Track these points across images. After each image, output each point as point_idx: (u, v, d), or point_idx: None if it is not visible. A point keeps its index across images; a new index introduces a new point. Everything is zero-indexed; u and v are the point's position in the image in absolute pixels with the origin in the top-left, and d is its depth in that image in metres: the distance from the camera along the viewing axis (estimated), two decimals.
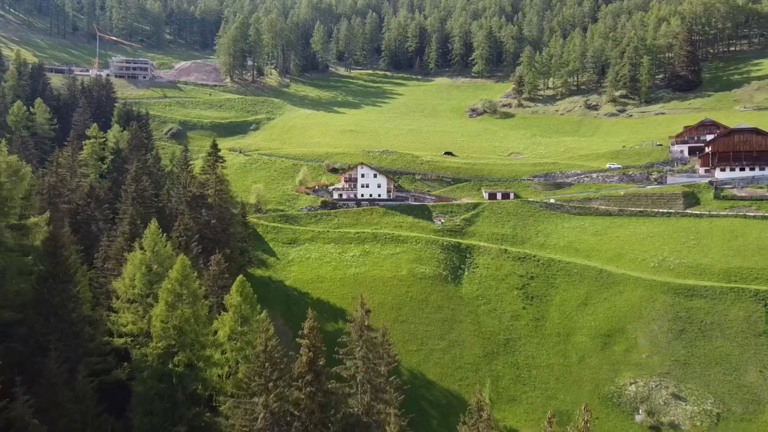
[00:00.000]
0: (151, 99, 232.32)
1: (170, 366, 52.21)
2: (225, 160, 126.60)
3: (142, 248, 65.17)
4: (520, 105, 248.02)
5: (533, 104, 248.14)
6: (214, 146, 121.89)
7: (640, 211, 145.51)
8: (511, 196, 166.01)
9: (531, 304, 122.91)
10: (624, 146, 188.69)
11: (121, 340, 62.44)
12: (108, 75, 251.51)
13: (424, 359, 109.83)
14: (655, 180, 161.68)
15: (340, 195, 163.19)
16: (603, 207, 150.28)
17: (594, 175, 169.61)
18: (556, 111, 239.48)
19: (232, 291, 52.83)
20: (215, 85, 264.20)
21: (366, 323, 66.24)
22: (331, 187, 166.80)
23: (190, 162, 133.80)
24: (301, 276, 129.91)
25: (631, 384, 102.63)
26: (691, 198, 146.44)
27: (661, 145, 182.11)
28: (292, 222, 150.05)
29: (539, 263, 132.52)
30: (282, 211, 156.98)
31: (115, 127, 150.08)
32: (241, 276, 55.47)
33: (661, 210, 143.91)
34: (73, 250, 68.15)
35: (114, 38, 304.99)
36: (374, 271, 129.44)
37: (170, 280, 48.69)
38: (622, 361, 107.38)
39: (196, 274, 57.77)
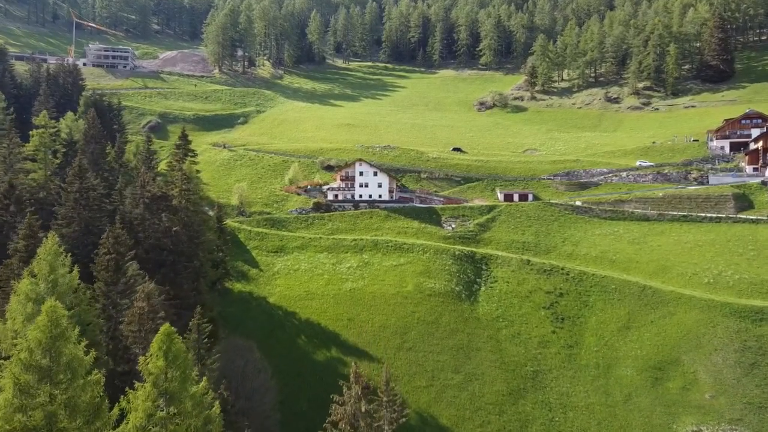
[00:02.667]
0: (129, 90, 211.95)
1: None
2: (196, 154, 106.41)
3: (33, 275, 45.15)
4: (533, 98, 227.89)
5: (547, 97, 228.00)
6: (183, 137, 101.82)
7: (683, 216, 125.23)
8: (530, 197, 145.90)
9: (562, 328, 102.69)
10: (654, 142, 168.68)
11: None
12: (85, 64, 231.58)
13: (436, 398, 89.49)
14: (695, 180, 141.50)
15: (336, 196, 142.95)
16: (639, 210, 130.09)
17: (623, 174, 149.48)
18: (573, 104, 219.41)
19: (152, 348, 33.15)
20: (202, 76, 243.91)
21: (362, 409, 45.15)
22: (325, 187, 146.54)
23: (156, 157, 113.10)
24: (287, 292, 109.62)
25: None
26: (742, 200, 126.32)
27: (697, 140, 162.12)
28: (280, 227, 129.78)
29: (569, 277, 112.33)
30: (268, 213, 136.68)
31: (69, 116, 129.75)
32: (166, 326, 35.53)
33: (708, 214, 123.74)
34: None
35: (94, 25, 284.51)
36: (374, 287, 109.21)
37: (29, 339, 28.96)
38: (680, 402, 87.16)
39: (99, 320, 38.29)
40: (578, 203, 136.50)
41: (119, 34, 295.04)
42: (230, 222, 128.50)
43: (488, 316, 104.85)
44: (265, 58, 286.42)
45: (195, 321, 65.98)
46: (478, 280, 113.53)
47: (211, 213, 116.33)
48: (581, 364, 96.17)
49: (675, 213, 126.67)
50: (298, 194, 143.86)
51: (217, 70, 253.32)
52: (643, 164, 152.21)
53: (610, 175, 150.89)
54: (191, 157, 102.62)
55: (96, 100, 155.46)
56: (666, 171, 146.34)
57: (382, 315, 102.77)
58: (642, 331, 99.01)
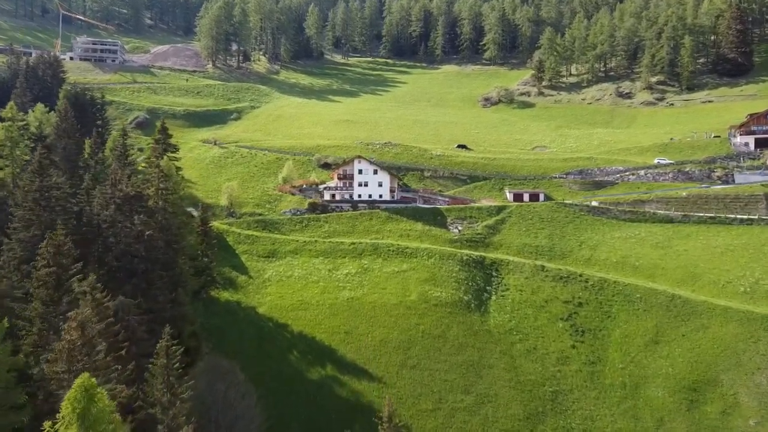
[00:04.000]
0: (117, 84, 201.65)
1: None
2: (177, 149, 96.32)
3: None
4: (540, 93, 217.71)
5: (555, 92, 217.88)
6: (163, 130, 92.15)
7: (710, 218, 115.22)
8: (541, 197, 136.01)
9: (582, 342, 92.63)
10: (672, 138, 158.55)
11: None
12: (72, 58, 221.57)
13: (444, 423, 79.40)
14: (719, 178, 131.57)
15: (333, 195, 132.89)
16: (661, 211, 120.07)
17: (641, 173, 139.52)
18: (583, 100, 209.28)
19: (62, 409, 23.42)
20: (194, 71, 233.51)
21: None
22: (321, 186, 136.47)
23: (134, 153, 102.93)
24: (279, 301, 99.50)
25: None
26: None
27: (718, 136, 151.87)
28: (272, 229, 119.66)
29: (588, 285, 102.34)
30: (260, 215, 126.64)
31: (39, 108, 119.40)
32: (82, 378, 25.53)
33: (738, 216, 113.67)
34: None
35: (83, 18, 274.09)
36: (374, 295, 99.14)
37: None
38: (720, 429, 77.14)
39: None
40: (594, 203, 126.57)
41: (110, 28, 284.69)
42: (218, 224, 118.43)
43: (500, 329, 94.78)
44: (260, 53, 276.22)
45: (163, 343, 55.95)
46: (488, 288, 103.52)
47: (196, 214, 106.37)
48: (606, 383, 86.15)
49: (701, 214, 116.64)
50: (293, 194, 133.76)
51: (210, 65, 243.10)
52: (662, 162, 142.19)
53: (627, 173, 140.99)
54: (172, 152, 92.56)
55: (77, 94, 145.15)
56: (687, 169, 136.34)
57: (382, 328, 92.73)
58: (672, 346, 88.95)
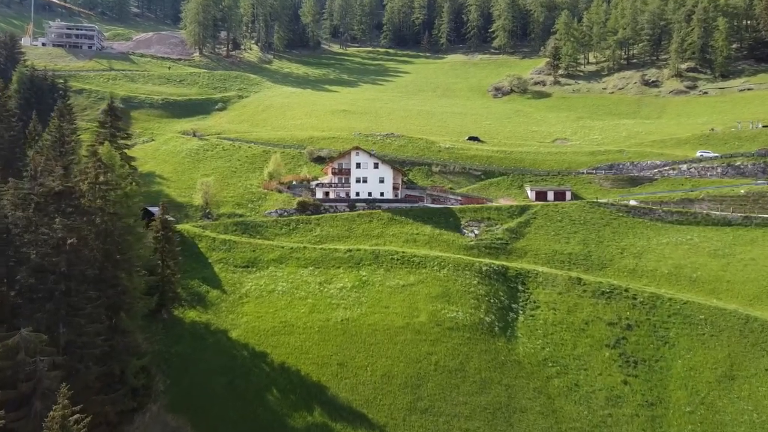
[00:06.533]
0: (91, 71, 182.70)
1: None
2: (129, 135, 77.72)
3: None
4: (556, 82, 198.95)
5: (573, 81, 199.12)
6: (110, 111, 74.23)
7: None
8: (568, 195, 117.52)
9: (636, 376, 73.77)
10: (712, 129, 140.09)
11: None
12: (44, 44, 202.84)
13: None
14: None
15: (326, 193, 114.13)
16: (716, 212, 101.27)
17: (683, 167, 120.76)
18: (604, 89, 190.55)
19: None
20: (179, 59, 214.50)
21: None
22: (313, 183, 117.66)
23: (74, 139, 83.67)
24: (257, 323, 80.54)
25: None
26: None
27: (767, 126, 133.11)
28: (254, 233, 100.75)
29: (636, 302, 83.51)
30: (240, 216, 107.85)
31: None
32: None
33: None
34: None
35: (64, 3, 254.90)
36: (375, 316, 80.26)
37: None
38: None
39: None
40: (633, 203, 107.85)
41: (92, 15, 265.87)
42: (189, 227, 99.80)
43: (532, 359, 75.89)
44: (252, 41, 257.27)
45: (58, 412, 37.06)
46: (513, 305, 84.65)
47: (161, 215, 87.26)
48: None
49: (766, 216, 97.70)
50: (280, 192, 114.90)
51: (197, 54, 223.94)
52: (706, 155, 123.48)
53: (666, 168, 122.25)
54: (123, 138, 73.66)
55: (33, 77, 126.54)
56: (738, 163, 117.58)
57: (385, 358, 73.86)
58: (754, 383, 70.21)
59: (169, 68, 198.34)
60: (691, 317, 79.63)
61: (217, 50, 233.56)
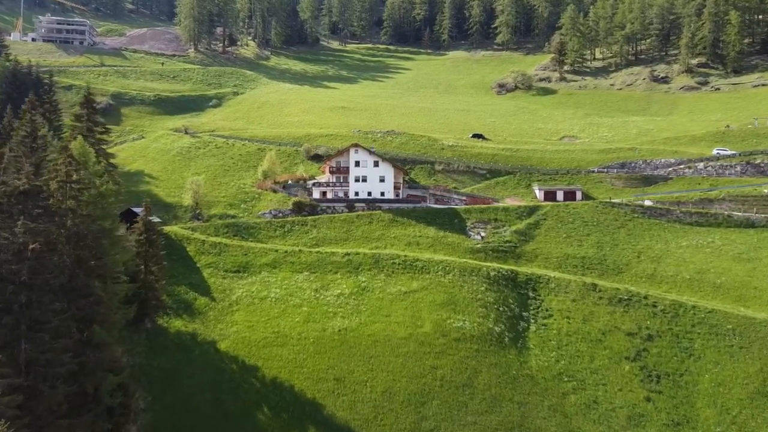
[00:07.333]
0: (81, 67, 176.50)
1: None
2: (108, 130, 71.40)
3: None
4: (562, 79, 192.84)
5: (579, 78, 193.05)
6: (87, 103, 67.48)
7: None
8: (579, 195, 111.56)
9: (660, 392, 67.70)
10: (727, 126, 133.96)
11: None
12: (34, 39, 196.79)
13: None
14: None
15: (324, 193, 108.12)
16: (738, 213, 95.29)
17: (699, 165, 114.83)
18: (612, 85, 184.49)
19: None
20: (174, 55, 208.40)
21: None
22: (310, 182, 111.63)
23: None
24: (247, 333, 74.46)
25: None
26: None
27: None
28: (246, 235, 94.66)
29: (657, 310, 77.48)
30: (232, 217, 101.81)
31: None
32: None
33: None
34: None
35: None
36: (375, 326, 74.22)
37: None
38: None
39: None
40: (648, 203, 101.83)
41: (86, 11, 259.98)
42: (177, 229, 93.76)
43: (546, 373, 69.82)
44: (249, 37, 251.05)
45: None
46: (524, 314, 78.61)
47: (156, 218, 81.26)
48: None
49: None
50: (275, 191, 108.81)
51: (192, 50, 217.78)
52: (723, 152, 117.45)
53: (681, 166, 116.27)
54: (101, 133, 67.53)
55: (15, 71, 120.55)
56: (759, 161, 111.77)
57: (386, 373, 67.81)
58: None
59: (163, 64, 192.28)
60: (718, 327, 73.60)
61: (212, 46, 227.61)
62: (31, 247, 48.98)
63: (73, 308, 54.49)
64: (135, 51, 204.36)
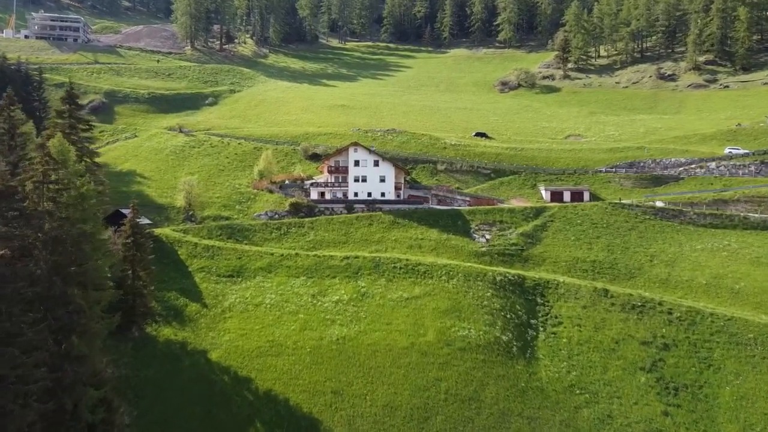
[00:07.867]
0: (75, 64, 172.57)
1: None
2: (91, 127, 67.22)
3: None
4: (566, 76, 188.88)
5: (584, 75, 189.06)
6: (69, 98, 63.07)
7: None
8: (586, 195, 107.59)
9: (678, 406, 63.67)
10: (739, 124, 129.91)
11: None
12: (26, 36, 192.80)
13: None
14: None
15: (322, 194, 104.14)
16: (755, 215, 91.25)
17: (711, 165, 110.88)
18: (617, 83, 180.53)
19: None
20: (170, 53, 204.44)
21: None
22: (307, 182, 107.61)
23: (27, 131, 73.27)
24: (241, 342, 70.39)
25: None
26: None
27: None
28: (240, 237, 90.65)
29: (672, 317, 73.43)
30: (227, 218, 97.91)
31: None
32: None
33: None
34: None
35: None
36: (375, 334, 70.19)
37: None
38: None
39: None
40: (660, 204, 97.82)
41: (82, 8, 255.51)
42: (168, 231, 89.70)
43: (557, 385, 65.76)
44: (247, 35, 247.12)
45: None
46: (532, 321, 74.57)
47: (144, 220, 77.25)
48: None
49: None
50: (271, 192, 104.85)
51: (188, 47, 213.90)
52: (735, 152, 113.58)
53: (692, 166, 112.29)
54: (84, 131, 63.45)
55: (3, 68, 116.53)
56: None
57: (387, 385, 63.75)
58: None
59: (158, 62, 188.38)
60: (738, 336, 69.59)
61: (209, 44, 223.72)
62: (0, 253, 44.96)
63: (50, 318, 50.54)
64: (130, 48, 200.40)
